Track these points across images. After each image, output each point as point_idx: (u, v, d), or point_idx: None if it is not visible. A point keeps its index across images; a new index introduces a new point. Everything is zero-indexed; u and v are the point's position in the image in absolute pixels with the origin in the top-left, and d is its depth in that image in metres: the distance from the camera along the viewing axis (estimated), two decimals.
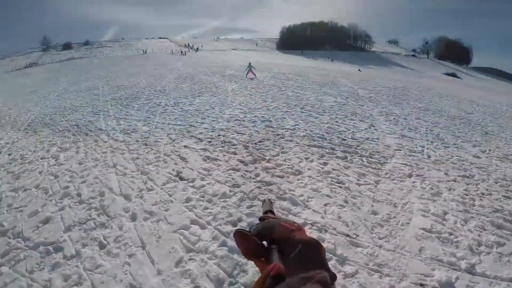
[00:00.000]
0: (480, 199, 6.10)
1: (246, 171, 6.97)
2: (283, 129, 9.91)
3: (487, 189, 6.53)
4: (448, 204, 5.84)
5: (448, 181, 6.81)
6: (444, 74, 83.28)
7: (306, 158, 7.60)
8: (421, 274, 4.14)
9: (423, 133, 10.47)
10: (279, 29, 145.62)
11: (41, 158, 8.20)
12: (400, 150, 8.52)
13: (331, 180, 6.52)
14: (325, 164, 7.33)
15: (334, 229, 4.98)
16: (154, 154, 7.96)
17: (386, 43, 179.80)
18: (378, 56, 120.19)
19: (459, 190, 6.39)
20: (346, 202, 5.79)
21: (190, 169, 7.06)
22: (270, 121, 10.93)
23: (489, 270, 4.24)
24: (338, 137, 9.24)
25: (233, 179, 6.60)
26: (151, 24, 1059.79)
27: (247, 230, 0.63)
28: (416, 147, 8.88)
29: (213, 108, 12.73)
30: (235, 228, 4.58)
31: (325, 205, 5.68)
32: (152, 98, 15.68)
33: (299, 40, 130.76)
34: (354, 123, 11.11)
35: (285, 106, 13.46)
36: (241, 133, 9.51)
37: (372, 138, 9.43)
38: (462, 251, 4.54)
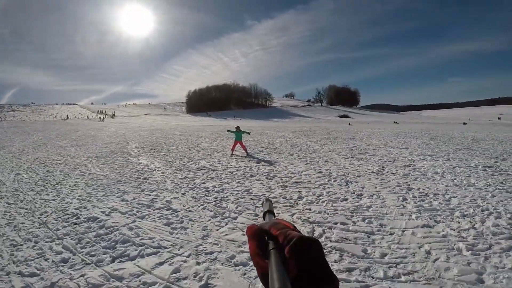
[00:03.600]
0: None
1: None
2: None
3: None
4: None
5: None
6: (337, 116, 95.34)
7: None
8: None
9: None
10: (185, 93, 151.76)
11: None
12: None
13: None
14: None
15: None
16: None
17: (284, 97, 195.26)
18: (278, 110, 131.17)
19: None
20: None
21: None
22: None
23: None
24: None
25: None
26: (52, 89, 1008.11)
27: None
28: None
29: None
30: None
31: None
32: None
33: (206, 102, 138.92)
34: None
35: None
36: None
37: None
38: None
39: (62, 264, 5.23)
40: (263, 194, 8.05)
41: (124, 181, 10.38)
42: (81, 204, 8.20)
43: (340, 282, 2.37)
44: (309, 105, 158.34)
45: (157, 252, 5.36)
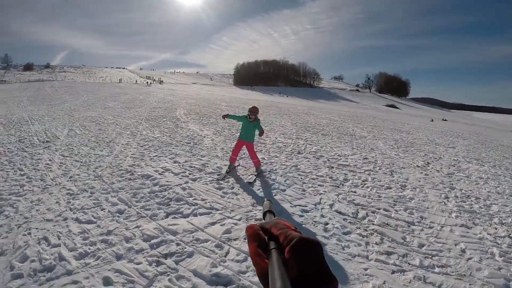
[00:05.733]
0: None
1: None
2: None
3: None
4: None
5: None
6: (385, 105, 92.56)
7: None
8: None
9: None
10: (231, 65, 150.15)
11: None
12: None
13: None
14: None
15: None
16: None
17: (332, 79, 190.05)
18: (326, 92, 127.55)
19: None
20: None
21: None
22: None
23: None
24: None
25: None
26: (100, 53, 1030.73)
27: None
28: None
29: None
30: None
31: None
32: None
33: (253, 76, 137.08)
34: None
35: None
36: None
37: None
38: None
39: (118, 214, 5.45)
40: (310, 172, 8.06)
41: (175, 144, 10.61)
42: (134, 162, 8.49)
43: (379, 263, 2.99)
44: (357, 90, 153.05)
45: (209, 212, 5.52)
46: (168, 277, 3.83)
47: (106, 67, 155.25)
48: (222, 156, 9.27)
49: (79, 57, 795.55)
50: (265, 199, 0.95)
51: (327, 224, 5.24)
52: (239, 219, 5.30)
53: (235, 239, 4.66)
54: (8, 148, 10.20)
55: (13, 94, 36.93)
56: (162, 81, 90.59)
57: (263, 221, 0.75)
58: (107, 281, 3.85)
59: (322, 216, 5.54)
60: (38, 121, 16.15)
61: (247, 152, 8.12)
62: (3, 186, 6.88)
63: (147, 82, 75.94)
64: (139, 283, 3.75)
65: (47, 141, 11.23)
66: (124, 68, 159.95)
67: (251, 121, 7.76)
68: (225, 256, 4.22)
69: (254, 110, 7.81)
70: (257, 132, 7.98)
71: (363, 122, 23.25)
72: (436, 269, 4.21)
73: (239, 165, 8.49)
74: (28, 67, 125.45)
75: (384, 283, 3.81)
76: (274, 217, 0.82)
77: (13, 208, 5.87)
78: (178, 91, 46.97)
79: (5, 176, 7.50)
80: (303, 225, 5.16)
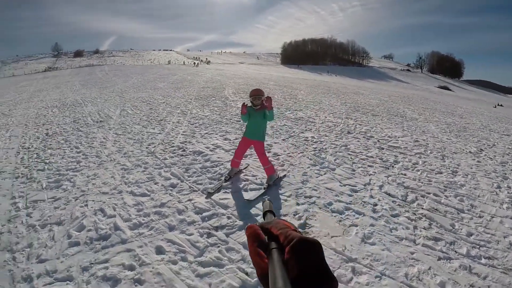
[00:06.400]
0: None
1: None
2: None
3: None
4: None
5: None
6: (437, 87, 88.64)
7: None
8: None
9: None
10: (278, 44, 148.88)
11: None
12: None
13: None
14: None
15: None
16: None
17: (382, 57, 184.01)
18: (375, 71, 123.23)
19: None
20: None
21: None
22: None
23: None
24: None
25: None
26: (146, 37, 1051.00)
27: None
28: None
29: None
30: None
31: None
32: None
33: (300, 54, 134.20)
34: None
35: None
36: None
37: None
38: None
39: (171, 188, 5.61)
40: (360, 152, 7.90)
41: (225, 122, 10.73)
42: (185, 139, 8.68)
43: (425, 249, 2.96)
44: (408, 70, 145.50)
45: (259, 188, 5.58)
46: (218, 249, 3.94)
47: (154, 50, 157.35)
48: (272, 134, 9.25)
49: (126, 41, 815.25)
50: (266, 198, 0.95)
51: (376, 205, 5.16)
52: (289, 196, 5.33)
53: (285, 215, 4.70)
54: (64, 128, 10.80)
55: (65, 80, 38.79)
56: (210, 62, 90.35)
57: (263, 221, 0.76)
58: (159, 250, 4.00)
59: (371, 197, 5.45)
60: (91, 102, 16.86)
61: (255, 154, 6.21)
62: (60, 163, 7.33)
63: (195, 63, 75.90)
64: (190, 253, 3.88)
65: (100, 121, 11.74)
66: (171, 50, 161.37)
67: (256, 109, 5.74)
68: None
69: (256, 93, 5.72)
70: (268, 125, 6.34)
71: (414, 104, 22.47)
72: (483, 260, 4.03)
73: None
74: (78, 54, 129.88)
75: (429, 268, 3.70)
76: (274, 217, 0.83)
77: (70, 182, 6.21)
78: (226, 71, 46.84)
79: (62, 154, 7.97)
80: (352, 205, 5.11)
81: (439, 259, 3.92)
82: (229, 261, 3.72)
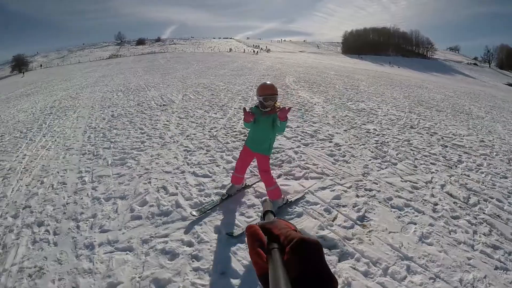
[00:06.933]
0: None
1: None
2: None
3: None
4: None
5: None
6: (506, 84, 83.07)
7: None
8: None
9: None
10: (338, 33, 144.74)
11: None
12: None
13: None
14: None
15: None
16: None
17: (447, 49, 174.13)
18: (440, 64, 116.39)
19: None
20: None
21: None
22: None
23: None
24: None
25: None
26: (207, 25, 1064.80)
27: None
28: None
29: None
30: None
31: None
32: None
33: (361, 44, 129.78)
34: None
35: None
36: None
37: None
38: None
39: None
40: (423, 148, 7.67)
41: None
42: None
43: (483, 256, 2.84)
44: (475, 64, 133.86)
45: (320, 177, 5.55)
46: None
47: (214, 38, 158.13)
48: (334, 124, 9.14)
49: (187, 29, 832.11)
50: (267, 199, 0.91)
51: (436, 204, 4.96)
52: (349, 187, 5.25)
53: (344, 206, 4.66)
54: (128, 111, 11.36)
55: (128, 66, 40.56)
56: (269, 50, 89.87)
57: (264, 220, 0.76)
58: (217, 229, 4.13)
59: (432, 195, 5.24)
60: (154, 87, 17.50)
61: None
62: (125, 142, 7.76)
63: (254, 51, 76.49)
64: None
65: (163, 105, 12.18)
66: (231, 38, 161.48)
67: (265, 112, 4.27)
68: (332, 221, 4.26)
69: (268, 91, 4.22)
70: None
71: (480, 101, 21.27)
72: None
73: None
74: (140, 42, 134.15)
75: (485, 277, 3.50)
76: (274, 217, 0.83)
77: (135, 161, 6.56)
78: (286, 59, 46.69)
79: (127, 134, 8.42)
80: (412, 202, 4.95)
81: (496, 268, 3.72)
82: None
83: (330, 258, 3.54)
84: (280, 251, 0.56)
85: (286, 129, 6.34)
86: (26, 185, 6.20)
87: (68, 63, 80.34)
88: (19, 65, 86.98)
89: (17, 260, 4.00)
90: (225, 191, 5.03)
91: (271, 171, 4.64)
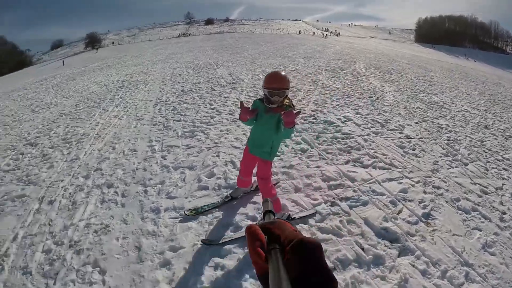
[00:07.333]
0: None
1: None
2: None
3: None
4: None
5: None
6: None
7: None
8: None
9: None
10: (412, 20, 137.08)
11: None
12: None
13: None
14: None
15: None
16: None
17: None
18: None
19: None
20: None
21: None
22: None
23: None
24: None
25: None
26: (275, 6, 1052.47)
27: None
28: None
29: None
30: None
31: None
32: None
33: (436, 33, 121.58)
34: None
35: None
36: None
37: None
38: None
39: (301, 153, 5.85)
40: (496, 151, 7.23)
41: (356, 96, 10.58)
42: (317, 107, 8.84)
43: None
44: None
45: (389, 168, 5.47)
46: (340, 219, 4.00)
47: (282, 20, 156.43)
48: (405, 115, 8.87)
49: (255, 10, 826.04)
50: (267, 198, 0.93)
51: (504, 213, 4.66)
52: (417, 182, 5.12)
53: (410, 200, 4.55)
54: (198, 87, 11.83)
55: (197, 45, 41.47)
56: (339, 34, 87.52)
57: (264, 220, 0.75)
58: (283, 208, 4.19)
59: (501, 203, 4.93)
60: (223, 66, 17.88)
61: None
62: (195, 116, 8.11)
63: (323, 34, 74.90)
64: (312, 217, 4.07)
65: (233, 83, 12.51)
66: (300, 20, 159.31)
67: (269, 109, 3.47)
68: (397, 214, 4.19)
69: (277, 84, 3.37)
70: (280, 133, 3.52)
71: None
72: None
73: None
74: (209, 22, 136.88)
75: None
76: (274, 217, 0.82)
77: (204, 134, 6.84)
78: (356, 44, 45.37)
79: (197, 108, 8.78)
80: (479, 207, 4.70)
81: None
82: (348, 233, 3.76)
83: (391, 251, 3.50)
84: (280, 251, 0.56)
85: (357, 115, 6.34)
86: (98, 150, 6.70)
87: (138, 41, 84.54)
88: (92, 42, 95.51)
89: (85, 216, 4.37)
90: (229, 192, 4.53)
91: (272, 178, 3.98)
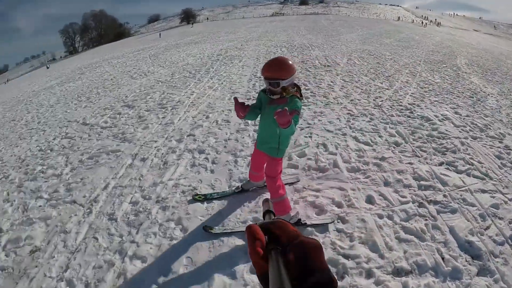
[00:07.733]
0: None
1: None
2: None
3: None
4: None
5: None
6: None
7: None
8: None
9: None
10: None
11: None
12: None
13: None
14: None
15: None
16: None
17: None
18: None
19: None
20: None
21: None
22: None
23: None
24: None
25: None
26: None
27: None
28: None
29: None
30: None
31: None
32: None
33: None
34: None
35: None
36: None
37: None
38: None
39: (394, 146, 5.79)
40: None
41: (456, 94, 9.97)
42: (414, 101, 8.53)
43: None
44: None
45: (483, 178, 5.06)
46: (425, 222, 3.90)
47: (380, 4, 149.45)
48: (507, 123, 8.00)
49: None
50: (267, 197, 0.95)
51: None
52: (510, 199, 4.61)
53: (500, 218, 4.16)
54: None
55: (291, 25, 41.47)
56: (439, 24, 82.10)
57: (264, 220, 0.75)
58: (369, 199, 4.24)
59: None
60: (318, 48, 17.92)
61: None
62: None
63: (423, 23, 70.66)
64: (398, 214, 4.01)
65: (328, 66, 12.55)
66: (398, 6, 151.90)
67: (273, 101, 3.25)
68: (485, 229, 3.91)
69: (272, 73, 3.10)
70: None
71: None
72: None
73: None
74: (303, 2, 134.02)
75: None
76: (274, 217, 0.82)
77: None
78: (457, 37, 42.28)
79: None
80: None
81: None
82: (431, 239, 3.65)
83: (470, 267, 3.33)
84: (280, 251, 0.56)
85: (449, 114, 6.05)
86: (192, 117, 7.22)
87: (232, 18, 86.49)
88: (187, 17, 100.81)
89: (174, 176, 4.78)
90: (241, 184, 4.47)
91: (281, 178, 3.67)
